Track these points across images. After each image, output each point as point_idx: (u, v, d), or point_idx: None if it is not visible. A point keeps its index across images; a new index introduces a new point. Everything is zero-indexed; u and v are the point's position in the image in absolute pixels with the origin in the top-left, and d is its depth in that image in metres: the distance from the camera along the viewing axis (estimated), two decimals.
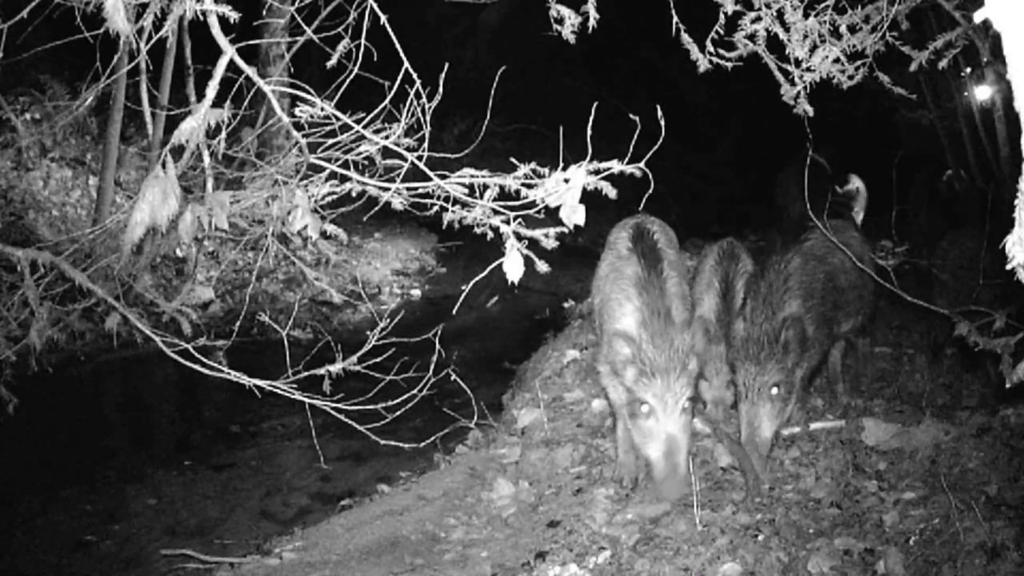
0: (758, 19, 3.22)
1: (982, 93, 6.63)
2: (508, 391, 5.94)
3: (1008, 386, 2.59)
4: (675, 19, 3.24)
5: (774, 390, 3.80)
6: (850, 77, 3.34)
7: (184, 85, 6.76)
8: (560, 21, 3.07)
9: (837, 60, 3.26)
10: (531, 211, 2.85)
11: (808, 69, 3.27)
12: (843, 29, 3.28)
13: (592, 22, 3.07)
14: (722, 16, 3.26)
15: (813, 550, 3.20)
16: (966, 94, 7.05)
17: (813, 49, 3.25)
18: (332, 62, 3.17)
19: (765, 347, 3.84)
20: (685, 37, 3.29)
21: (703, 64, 3.31)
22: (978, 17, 1.34)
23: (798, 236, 4.43)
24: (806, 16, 3.21)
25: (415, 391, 3.69)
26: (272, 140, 8.60)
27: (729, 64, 3.32)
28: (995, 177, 6.33)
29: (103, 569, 4.01)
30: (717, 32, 3.27)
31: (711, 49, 3.31)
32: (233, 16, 2.76)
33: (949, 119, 7.43)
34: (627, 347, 3.64)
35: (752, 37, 3.26)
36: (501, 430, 5.05)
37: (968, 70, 6.75)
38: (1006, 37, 1.30)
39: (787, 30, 3.21)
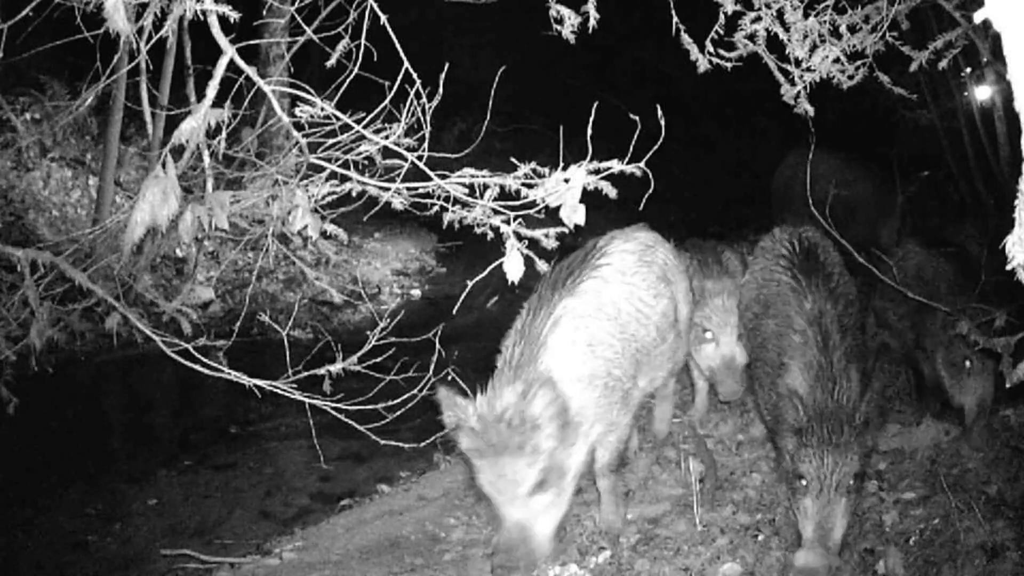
0: (758, 19, 3.22)
1: (982, 93, 6.62)
2: None
3: (1008, 386, 2.58)
4: (675, 19, 3.24)
5: (851, 481, 3.08)
6: (850, 77, 3.33)
7: (184, 85, 6.76)
8: (560, 21, 3.07)
9: (837, 60, 3.26)
10: (531, 211, 2.85)
11: (808, 69, 3.27)
12: (843, 29, 3.27)
13: (592, 22, 3.07)
14: (722, 16, 3.26)
15: None
16: (966, 94, 7.04)
17: (813, 49, 3.24)
18: (332, 62, 3.17)
19: (845, 429, 3.08)
20: (685, 37, 3.29)
21: (703, 64, 3.31)
22: (978, 17, 1.35)
23: (818, 267, 3.75)
24: (806, 16, 3.21)
25: (415, 391, 3.69)
26: (272, 140, 8.59)
27: (729, 64, 3.32)
28: (995, 177, 6.33)
29: (103, 569, 4.01)
30: (717, 32, 3.27)
31: (711, 49, 3.31)
32: (233, 16, 2.76)
33: (949, 119, 7.42)
34: (450, 410, 2.95)
35: (752, 37, 3.26)
36: None
37: (968, 70, 6.75)
38: (1006, 37, 1.31)
39: (787, 30, 3.21)
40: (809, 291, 3.59)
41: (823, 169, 6.16)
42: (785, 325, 3.54)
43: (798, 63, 3.30)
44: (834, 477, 3.03)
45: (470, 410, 2.89)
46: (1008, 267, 1.41)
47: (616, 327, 3.38)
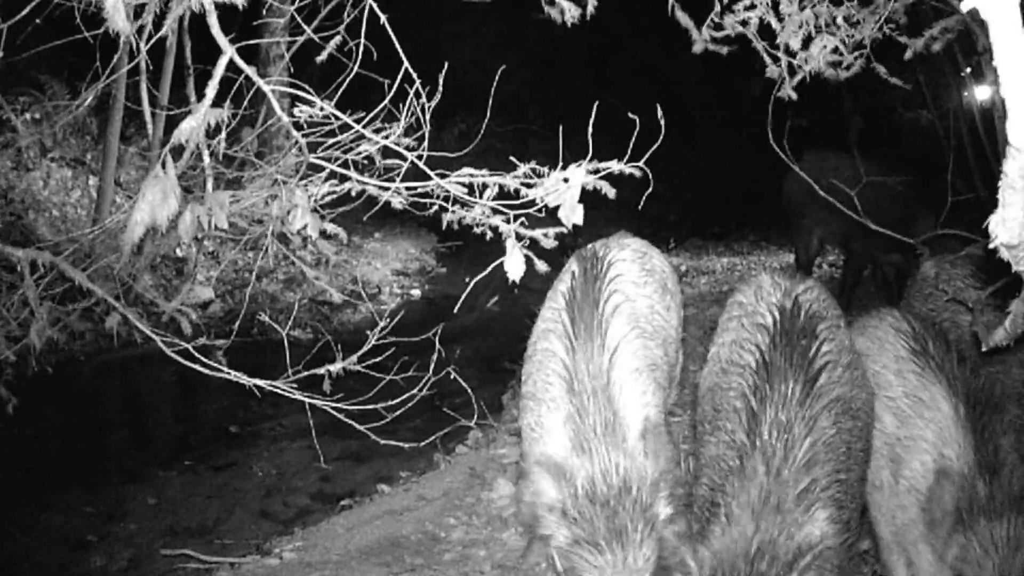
0: (752, 7, 3.21)
1: (982, 93, 6.62)
2: (508, 391, 5.93)
3: (984, 349, 2.44)
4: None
5: None
6: (847, 68, 3.32)
7: (184, 85, 6.75)
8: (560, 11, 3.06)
9: (835, 50, 3.24)
10: (531, 210, 2.86)
11: (806, 60, 3.25)
12: (839, 20, 3.26)
13: (592, 12, 3.06)
14: (718, 4, 3.26)
15: None
16: (966, 94, 7.04)
17: (809, 40, 3.23)
18: (322, 57, 3.18)
19: None
20: (681, 16, 3.28)
21: (699, 44, 3.29)
22: (965, 6, 1.37)
23: (800, 363, 2.53)
24: (801, 8, 3.20)
25: (415, 391, 3.69)
26: (272, 140, 8.59)
27: (726, 49, 3.31)
28: (995, 177, 6.31)
29: (103, 569, 4.00)
30: (712, 20, 3.27)
31: (707, 36, 3.31)
32: (240, 2, 2.73)
33: (949, 119, 7.41)
34: (551, 486, 2.35)
35: (744, 23, 3.24)
36: (501, 430, 5.05)
37: (968, 70, 6.75)
38: (991, 26, 1.33)
39: (780, 20, 3.20)
40: (773, 398, 2.47)
41: (838, 167, 5.88)
42: (727, 446, 2.49)
43: (793, 54, 3.28)
44: None
45: (577, 490, 2.29)
46: (991, 246, 1.43)
47: (658, 347, 3.00)
